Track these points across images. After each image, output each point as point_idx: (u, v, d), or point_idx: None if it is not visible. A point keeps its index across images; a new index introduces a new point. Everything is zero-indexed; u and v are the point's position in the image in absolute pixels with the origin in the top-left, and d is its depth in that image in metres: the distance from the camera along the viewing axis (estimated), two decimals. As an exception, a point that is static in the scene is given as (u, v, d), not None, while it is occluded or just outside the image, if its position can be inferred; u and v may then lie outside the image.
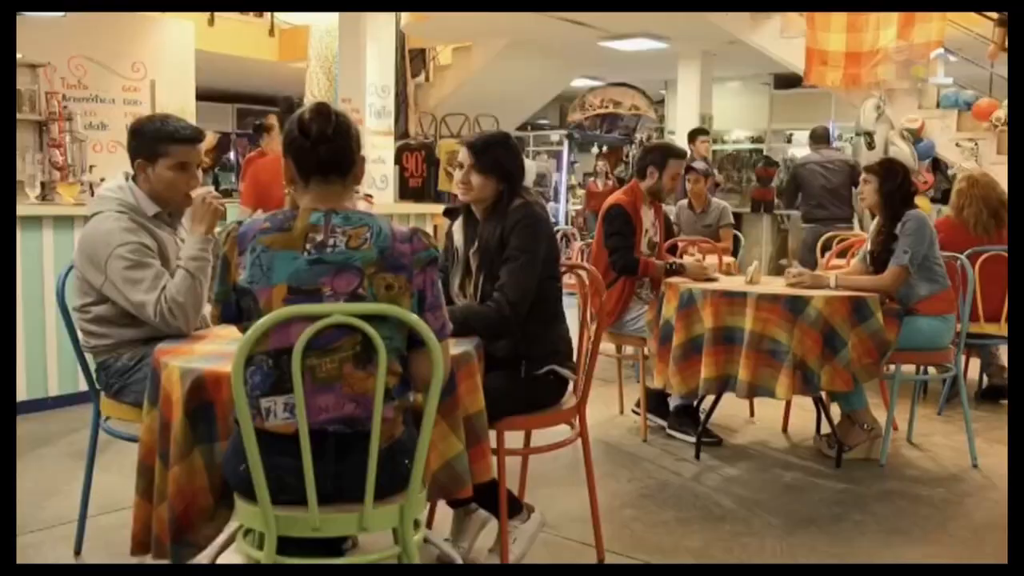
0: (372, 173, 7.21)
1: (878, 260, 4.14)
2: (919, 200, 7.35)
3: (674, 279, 4.16)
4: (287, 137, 2.11)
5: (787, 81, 12.05)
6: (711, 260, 5.12)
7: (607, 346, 4.53)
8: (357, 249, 1.99)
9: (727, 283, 4.17)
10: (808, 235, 7.52)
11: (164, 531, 2.17)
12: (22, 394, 4.61)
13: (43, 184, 5.93)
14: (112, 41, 8.21)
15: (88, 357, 2.92)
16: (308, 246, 1.98)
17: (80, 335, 2.90)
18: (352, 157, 2.12)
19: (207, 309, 2.70)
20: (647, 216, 4.44)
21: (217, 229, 2.85)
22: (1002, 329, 4.72)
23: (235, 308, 2.04)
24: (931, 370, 4.83)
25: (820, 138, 7.99)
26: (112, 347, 2.84)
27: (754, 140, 13.19)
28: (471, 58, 11.13)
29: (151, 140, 2.84)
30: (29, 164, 6.26)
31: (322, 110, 2.09)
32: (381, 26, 7.61)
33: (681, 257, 4.96)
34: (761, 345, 3.77)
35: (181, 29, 8.74)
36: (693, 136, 8.54)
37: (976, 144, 7.76)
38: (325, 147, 2.06)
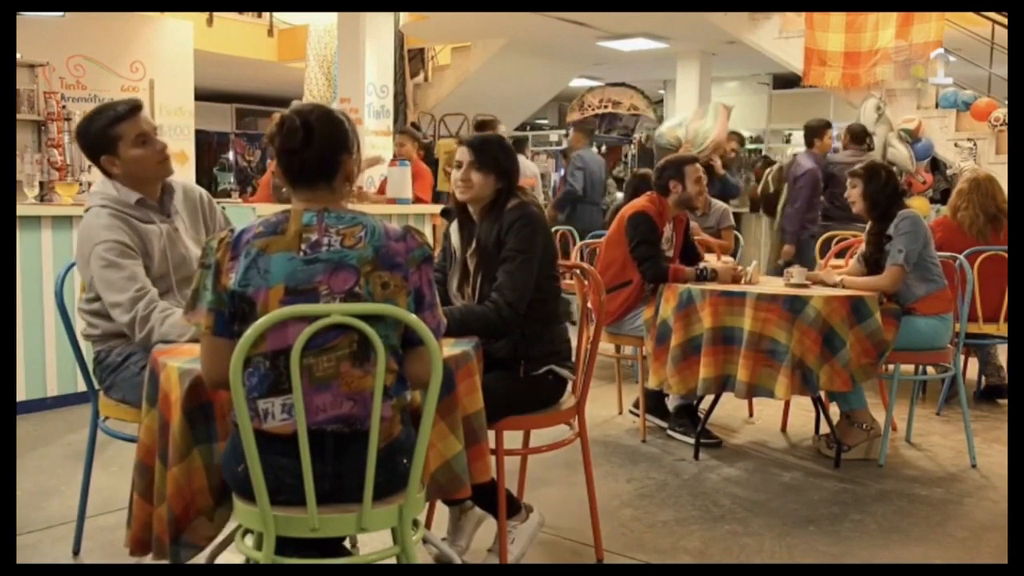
0: (371, 173, 7.21)
1: (871, 262, 4.16)
2: (917, 200, 7.38)
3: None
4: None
5: (786, 81, 12.07)
6: (727, 258, 5.11)
7: (606, 346, 4.53)
8: (352, 248, 1.98)
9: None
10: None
11: (164, 531, 2.17)
12: (21, 394, 4.60)
13: (42, 184, 5.93)
14: (111, 41, 8.22)
15: (88, 348, 2.93)
16: (303, 246, 1.97)
17: (82, 324, 2.91)
18: (334, 163, 2.07)
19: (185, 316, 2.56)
20: (665, 230, 4.42)
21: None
22: (1001, 329, 4.72)
23: (227, 319, 1.98)
24: (930, 370, 4.84)
25: (859, 138, 7.41)
26: (102, 338, 2.85)
27: (753, 140, 13.19)
28: (470, 58, 11.13)
29: (99, 133, 2.82)
30: (28, 164, 6.26)
31: (285, 123, 2.04)
32: (380, 26, 7.62)
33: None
34: (760, 345, 3.77)
35: (180, 29, 8.75)
36: (821, 130, 7.28)
37: (975, 144, 7.77)
38: (297, 158, 2.04)
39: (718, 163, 7.37)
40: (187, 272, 2.90)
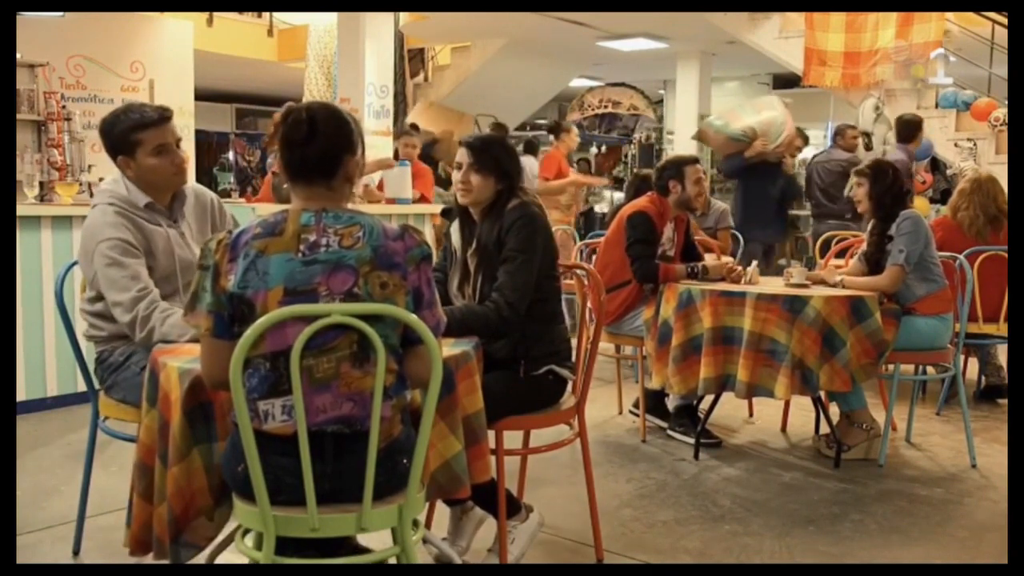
0: (373, 174, 7.20)
1: (871, 261, 4.16)
2: (917, 200, 7.37)
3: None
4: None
5: (786, 81, 12.05)
6: (727, 259, 5.10)
7: (606, 346, 4.53)
8: (351, 248, 1.98)
9: (727, 283, 4.17)
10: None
11: (164, 531, 2.17)
12: (21, 394, 4.60)
13: (42, 184, 5.91)
14: (111, 41, 8.21)
15: (89, 348, 2.92)
16: (302, 247, 1.97)
17: (84, 325, 2.91)
18: (335, 161, 2.05)
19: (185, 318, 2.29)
20: (666, 230, 4.41)
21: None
22: (1001, 329, 4.72)
23: (227, 321, 1.98)
24: (930, 370, 4.84)
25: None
26: (106, 339, 2.85)
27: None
28: (470, 58, 11.13)
29: (122, 134, 2.82)
30: (28, 164, 6.25)
31: (292, 115, 2.04)
32: (380, 26, 7.61)
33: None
34: (760, 345, 3.77)
35: (180, 29, 8.75)
36: (919, 124, 6.94)
37: (975, 144, 7.77)
38: (300, 152, 2.03)
39: (789, 161, 7.02)
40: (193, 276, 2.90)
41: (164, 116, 2.86)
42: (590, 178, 9.45)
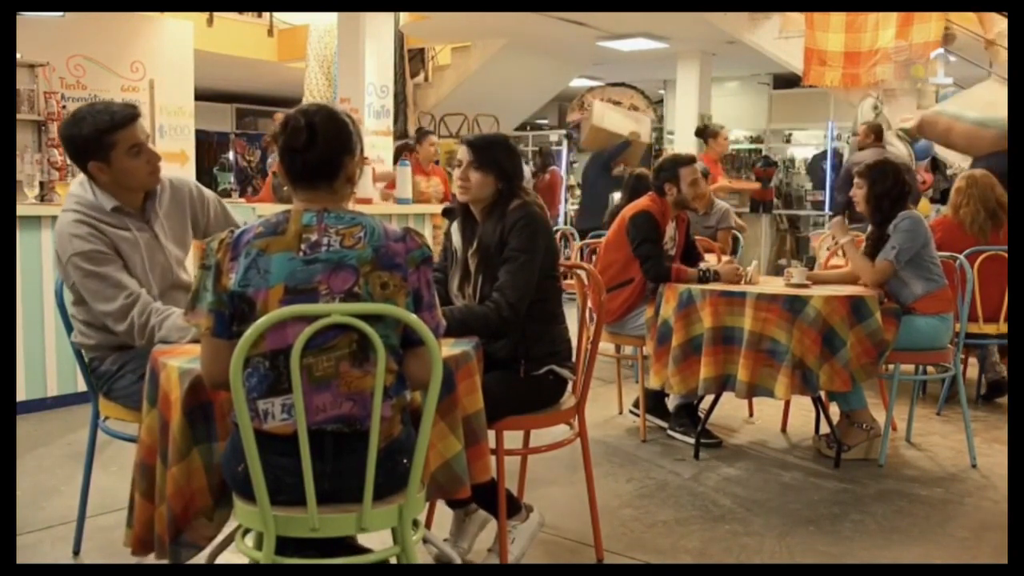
0: (371, 173, 7.20)
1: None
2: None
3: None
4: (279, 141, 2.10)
5: (786, 81, 12.06)
6: (726, 259, 5.09)
7: (606, 346, 4.53)
8: (352, 248, 1.99)
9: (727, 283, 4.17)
10: None
11: (165, 531, 2.17)
12: (21, 394, 4.60)
13: (42, 184, 5.93)
14: (111, 41, 8.21)
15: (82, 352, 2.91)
16: (303, 246, 1.98)
17: (74, 330, 2.89)
18: (336, 164, 2.06)
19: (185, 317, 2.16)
20: (668, 229, 4.40)
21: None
22: (1001, 329, 4.72)
23: (227, 320, 1.98)
24: (930, 370, 4.84)
25: (881, 134, 7.07)
26: (95, 347, 2.83)
27: (753, 140, 13.17)
28: (470, 58, 11.13)
29: (93, 138, 2.65)
30: (28, 164, 6.26)
31: (289, 122, 2.05)
32: (380, 26, 7.61)
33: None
34: (760, 345, 3.78)
35: (180, 29, 8.74)
36: None
37: (975, 144, 7.74)
38: (301, 158, 2.04)
39: None
40: (172, 280, 2.82)
41: (135, 115, 2.71)
42: (742, 183, 9.39)
